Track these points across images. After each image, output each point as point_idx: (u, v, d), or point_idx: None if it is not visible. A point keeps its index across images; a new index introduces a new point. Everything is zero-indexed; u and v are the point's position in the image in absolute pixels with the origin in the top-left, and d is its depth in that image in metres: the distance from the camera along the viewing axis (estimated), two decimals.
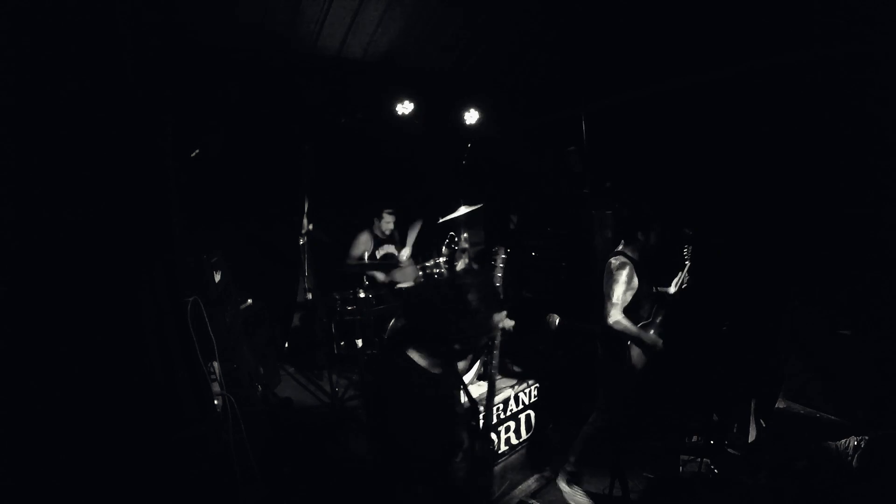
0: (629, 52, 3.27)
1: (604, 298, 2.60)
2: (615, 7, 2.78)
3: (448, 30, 3.09)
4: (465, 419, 1.56)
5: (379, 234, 4.28)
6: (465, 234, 4.51)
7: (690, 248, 2.83)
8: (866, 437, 2.15)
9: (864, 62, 2.65)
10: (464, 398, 1.59)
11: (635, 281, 2.59)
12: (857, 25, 2.57)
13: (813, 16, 2.62)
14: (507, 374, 3.49)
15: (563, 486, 2.84)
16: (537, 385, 3.30)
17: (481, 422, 1.73)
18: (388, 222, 4.27)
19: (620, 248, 2.70)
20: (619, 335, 2.56)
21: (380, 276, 4.29)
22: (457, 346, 1.37)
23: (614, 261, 2.63)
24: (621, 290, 2.56)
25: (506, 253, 2.16)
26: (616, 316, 2.53)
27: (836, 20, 2.60)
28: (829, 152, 2.89)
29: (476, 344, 1.41)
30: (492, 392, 1.99)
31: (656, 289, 2.78)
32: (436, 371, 1.40)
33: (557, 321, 2.92)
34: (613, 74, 3.66)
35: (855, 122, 2.73)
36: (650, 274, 2.71)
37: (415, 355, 1.38)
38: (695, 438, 3.11)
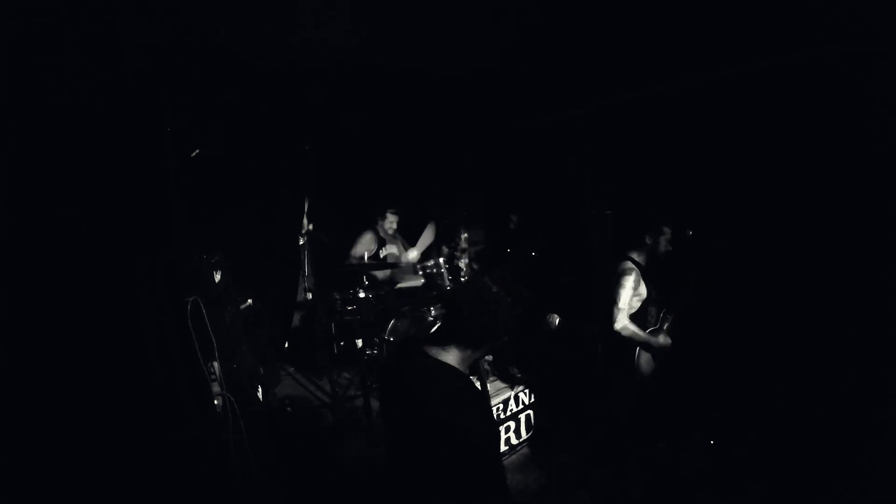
0: (630, 51, 3.27)
1: (608, 301, 2.58)
2: (616, 7, 2.79)
3: (447, 30, 3.09)
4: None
5: (383, 233, 4.28)
6: (465, 235, 4.51)
7: (695, 250, 2.81)
8: None
9: (864, 62, 2.64)
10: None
11: (642, 287, 2.57)
12: (857, 25, 2.57)
13: (813, 16, 2.62)
14: (506, 374, 3.49)
15: None
16: (537, 385, 3.29)
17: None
18: (392, 222, 4.26)
19: (628, 252, 2.67)
20: (626, 341, 2.54)
21: (380, 275, 4.29)
22: (492, 343, 1.36)
23: (621, 266, 2.60)
24: (627, 296, 2.53)
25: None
26: (623, 321, 2.50)
27: (836, 20, 2.59)
28: (830, 152, 2.88)
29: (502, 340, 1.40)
30: None
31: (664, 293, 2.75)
32: (465, 371, 1.37)
33: (557, 321, 2.92)
34: (614, 74, 3.65)
35: (857, 121, 2.73)
36: (659, 278, 2.68)
37: (446, 357, 1.33)
38: (697, 439, 3.10)
